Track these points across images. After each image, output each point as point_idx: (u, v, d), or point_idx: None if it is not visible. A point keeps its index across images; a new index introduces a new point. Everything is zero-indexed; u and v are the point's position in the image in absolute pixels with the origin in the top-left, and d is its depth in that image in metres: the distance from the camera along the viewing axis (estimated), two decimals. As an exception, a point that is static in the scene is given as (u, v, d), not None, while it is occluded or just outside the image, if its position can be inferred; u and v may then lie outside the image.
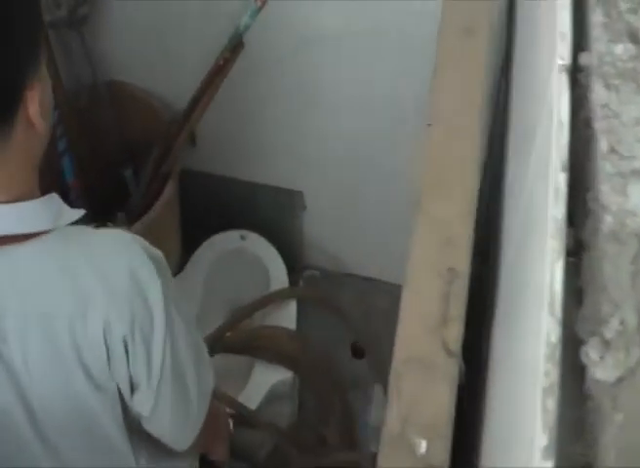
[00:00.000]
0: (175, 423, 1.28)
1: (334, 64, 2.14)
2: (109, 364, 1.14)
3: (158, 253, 1.18)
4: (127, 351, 1.14)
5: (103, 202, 2.48)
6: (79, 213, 1.16)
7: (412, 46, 2.02)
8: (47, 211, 1.12)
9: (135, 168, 2.42)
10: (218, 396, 1.71)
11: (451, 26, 0.91)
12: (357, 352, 2.52)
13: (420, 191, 0.75)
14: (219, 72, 2.09)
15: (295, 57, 2.15)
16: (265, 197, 2.59)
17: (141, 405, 1.21)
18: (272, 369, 2.17)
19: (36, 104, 1.06)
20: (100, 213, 2.40)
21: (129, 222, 2.13)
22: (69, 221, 1.14)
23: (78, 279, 1.11)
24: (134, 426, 1.26)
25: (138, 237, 1.18)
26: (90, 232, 1.16)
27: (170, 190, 2.22)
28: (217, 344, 2.10)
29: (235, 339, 2.16)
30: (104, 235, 1.17)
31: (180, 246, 2.51)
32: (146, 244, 1.17)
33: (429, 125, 0.80)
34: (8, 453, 1.24)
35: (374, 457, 2.03)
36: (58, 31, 2.17)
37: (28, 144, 1.09)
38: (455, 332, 0.66)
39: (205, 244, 2.49)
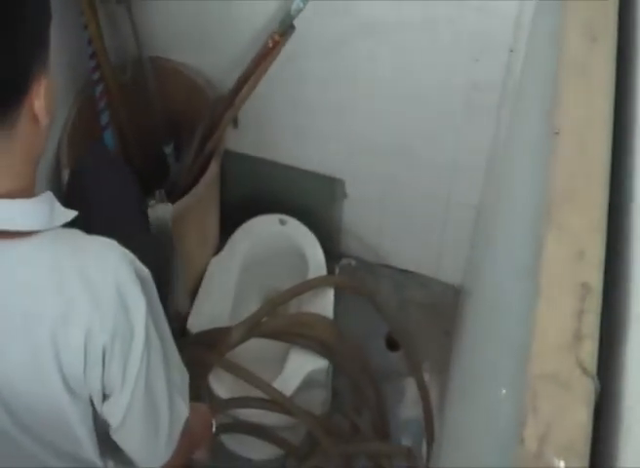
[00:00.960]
0: (143, 442, 1.27)
1: (383, 54, 2.11)
2: (85, 370, 1.14)
3: (146, 271, 1.19)
4: (104, 361, 1.14)
5: (143, 178, 2.47)
6: (72, 214, 1.16)
7: (461, 39, 2.00)
8: (42, 210, 1.12)
9: (175, 145, 2.41)
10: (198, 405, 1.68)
11: (574, 30, 0.87)
12: (391, 344, 2.50)
13: (550, 203, 0.71)
14: (267, 54, 2.06)
15: (345, 44, 2.13)
16: (306, 183, 2.58)
17: (111, 415, 1.21)
18: (308, 356, 2.15)
19: (42, 98, 1.07)
20: (140, 188, 2.40)
21: (168, 200, 2.12)
22: (63, 222, 1.14)
23: (65, 283, 1.11)
24: (103, 434, 1.26)
25: (127, 252, 1.17)
26: (82, 238, 1.16)
27: (213, 170, 2.21)
28: (253, 329, 2.08)
29: (272, 325, 2.14)
30: (96, 244, 1.17)
31: (219, 227, 2.49)
32: (135, 260, 1.17)
33: (556, 133, 0.76)
34: None
35: (408, 451, 2.02)
36: (106, 6, 2.16)
37: (31, 138, 1.10)
38: (589, 350, 0.63)
39: (244, 226, 2.48)
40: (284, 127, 2.45)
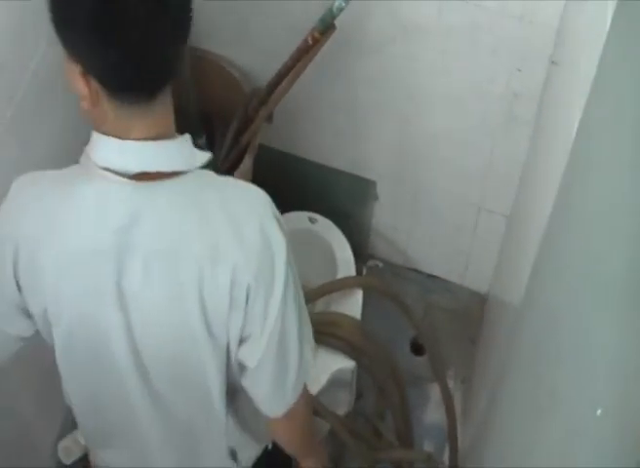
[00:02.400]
0: (272, 383, 1.29)
1: (424, 57, 2.11)
2: (230, 312, 1.18)
3: (282, 219, 1.23)
4: (247, 301, 1.18)
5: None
6: (207, 155, 1.20)
7: (501, 48, 2.00)
8: (183, 151, 1.17)
9: (208, 137, 2.41)
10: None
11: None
12: (417, 349, 2.50)
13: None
14: (306, 51, 2.06)
15: (385, 45, 2.13)
16: (338, 182, 2.58)
17: (249, 355, 1.24)
18: (335, 355, 2.15)
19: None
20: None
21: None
22: (202, 163, 1.19)
23: (211, 223, 1.15)
24: (231, 384, 1.30)
25: (267, 196, 1.23)
26: (224, 179, 1.22)
27: (246, 164, 2.21)
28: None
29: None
30: (239, 185, 1.23)
31: (248, 221, 2.50)
32: (277, 211, 1.22)
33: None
34: (106, 384, 1.31)
35: (429, 457, 2.02)
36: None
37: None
38: None
39: (273, 222, 2.47)
40: (319, 125, 2.45)
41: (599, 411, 0.56)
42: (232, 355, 1.25)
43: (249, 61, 2.35)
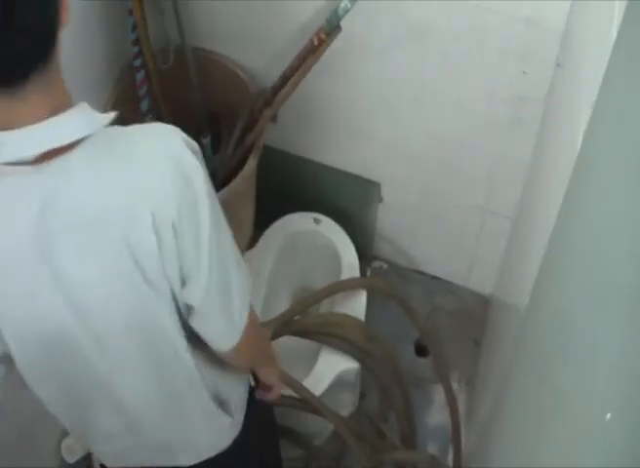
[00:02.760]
0: (219, 317, 1.29)
1: (430, 59, 2.12)
2: (160, 254, 1.17)
3: (197, 146, 1.22)
4: (176, 238, 1.17)
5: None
6: (110, 115, 1.18)
7: (508, 51, 2.00)
8: (81, 118, 1.14)
9: (213, 136, 2.42)
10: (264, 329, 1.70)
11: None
12: (421, 350, 2.50)
13: None
14: (312, 52, 2.07)
15: (391, 47, 2.13)
16: (343, 183, 2.58)
17: (192, 294, 1.24)
18: (339, 357, 2.16)
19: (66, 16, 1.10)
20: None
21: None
22: (104, 124, 1.17)
23: (124, 171, 1.15)
24: (187, 330, 1.29)
25: (176, 128, 1.21)
26: (130, 128, 1.19)
27: (251, 164, 2.22)
28: (285, 326, 2.09)
29: (304, 323, 2.14)
30: (145, 127, 1.22)
31: (253, 220, 2.50)
32: (185, 135, 1.21)
33: None
34: (74, 372, 1.32)
35: (432, 459, 2.02)
36: (152, -9, 2.17)
37: (60, 65, 1.13)
38: None
39: (278, 222, 2.49)
40: (323, 126, 2.46)
41: (609, 415, 0.56)
42: (179, 298, 1.25)
43: (255, 62, 2.36)
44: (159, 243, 1.16)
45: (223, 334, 1.33)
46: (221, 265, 1.24)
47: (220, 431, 1.53)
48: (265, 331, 1.58)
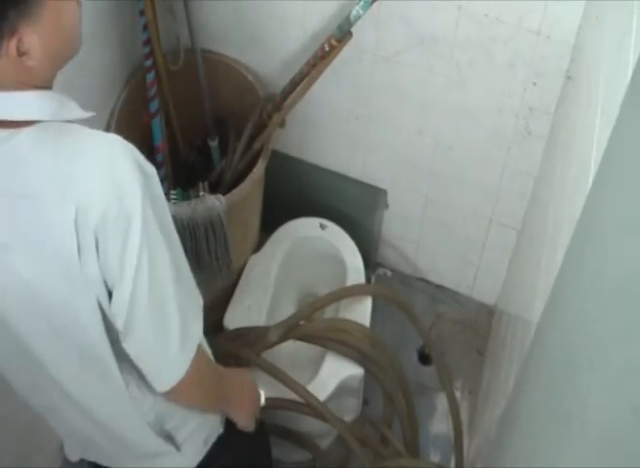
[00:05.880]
0: (152, 351, 1.26)
1: (439, 69, 2.12)
2: (79, 253, 1.16)
3: (150, 168, 1.21)
4: (97, 243, 1.16)
5: (186, 168, 2.50)
6: (83, 114, 1.21)
7: (517, 62, 2.01)
8: (42, 102, 1.18)
9: (220, 140, 2.43)
10: (243, 366, 1.73)
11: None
12: (424, 358, 2.51)
13: None
14: (322, 58, 2.07)
15: (401, 55, 2.14)
16: (349, 190, 2.59)
17: (117, 314, 1.21)
18: (343, 362, 2.16)
19: (15, 44, 1.11)
20: (182, 178, 2.42)
21: (211, 192, 2.14)
22: (69, 117, 1.19)
23: (60, 164, 1.15)
24: (119, 346, 1.26)
25: (132, 147, 1.20)
26: (88, 131, 1.20)
27: (260, 168, 2.22)
28: (291, 331, 2.09)
29: (309, 328, 2.15)
30: (103, 135, 1.20)
31: (260, 224, 2.51)
32: (140, 156, 1.20)
33: None
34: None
35: (438, 468, 2.02)
36: (164, -7, 2.18)
37: (22, 65, 1.14)
38: None
39: (284, 227, 2.49)
40: (332, 132, 2.46)
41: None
42: (106, 311, 1.23)
43: (264, 66, 2.36)
44: (79, 242, 1.15)
45: (157, 373, 1.29)
46: (154, 298, 1.21)
47: (165, 461, 1.48)
48: (228, 373, 1.51)
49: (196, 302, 1.33)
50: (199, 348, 1.31)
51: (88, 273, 1.18)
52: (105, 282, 1.20)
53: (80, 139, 1.18)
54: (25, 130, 1.16)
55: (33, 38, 1.12)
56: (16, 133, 1.16)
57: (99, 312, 1.22)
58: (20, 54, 1.12)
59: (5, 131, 1.16)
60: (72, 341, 1.27)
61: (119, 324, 1.22)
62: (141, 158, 1.20)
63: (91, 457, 1.61)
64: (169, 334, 1.25)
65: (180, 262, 1.27)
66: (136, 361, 1.28)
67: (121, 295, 1.20)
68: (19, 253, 1.18)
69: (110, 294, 1.21)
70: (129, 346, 1.25)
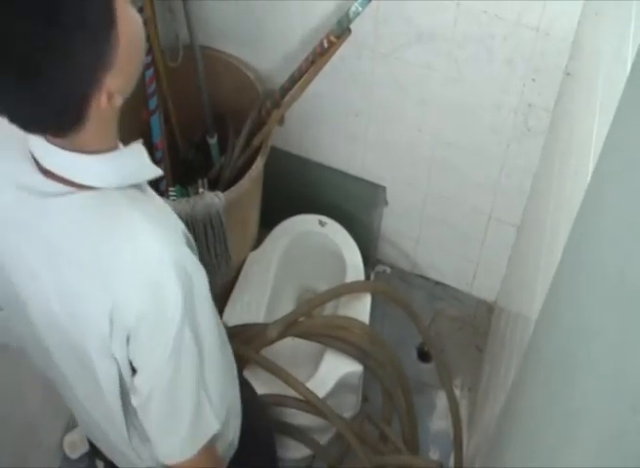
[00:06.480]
0: (160, 430, 1.28)
1: (438, 65, 2.12)
2: (111, 336, 1.16)
3: (198, 270, 1.18)
4: (128, 338, 1.15)
5: (185, 165, 2.50)
6: (146, 175, 1.20)
7: (516, 58, 2.01)
8: (105, 170, 1.15)
9: (219, 137, 2.42)
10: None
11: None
12: (424, 356, 2.51)
13: None
14: (321, 55, 2.07)
15: (401, 51, 2.14)
16: (348, 186, 2.59)
17: (136, 391, 1.22)
18: (342, 359, 2.16)
19: (105, 95, 1.08)
20: (181, 175, 2.42)
21: (210, 189, 2.14)
22: (130, 183, 1.17)
23: (107, 255, 1.13)
24: (129, 405, 1.27)
25: (183, 250, 1.16)
26: (141, 222, 1.15)
27: (259, 165, 2.22)
28: (290, 328, 2.09)
29: (309, 325, 2.15)
30: (151, 233, 1.15)
31: (259, 221, 2.51)
32: (188, 258, 1.16)
33: None
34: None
35: (439, 466, 2.02)
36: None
37: (111, 110, 1.13)
38: None
39: (283, 224, 2.50)
40: (331, 129, 2.46)
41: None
42: (128, 380, 1.23)
43: (263, 63, 2.36)
44: (112, 329, 1.15)
45: (161, 447, 1.31)
46: (173, 394, 1.22)
47: None
48: None
49: (222, 400, 1.31)
50: (211, 440, 1.32)
51: (114, 349, 1.17)
52: (130, 359, 1.20)
53: (131, 229, 1.14)
54: (82, 193, 1.14)
55: (116, 80, 1.08)
56: (73, 192, 1.14)
57: (117, 377, 1.22)
58: (109, 99, 1.09)
59: (66, 186, 1.14)
60: (88, 378, 1.27)
61: (134, 401, 1.23)
62: (189, 260, 1.17)
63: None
64: (180, 422, 1.26)
65: (211, 363, 1.25)
66: (144, 425, 1.29)
67: (141, 383, 1.21)
68: (52, 291, 1.18)
69: (132, 368, 1.21)
70: (140, 415, 1.27)
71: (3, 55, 0.97)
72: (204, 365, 1.23)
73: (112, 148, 1.18)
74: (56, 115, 1.07)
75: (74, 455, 2.20)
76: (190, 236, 1.24)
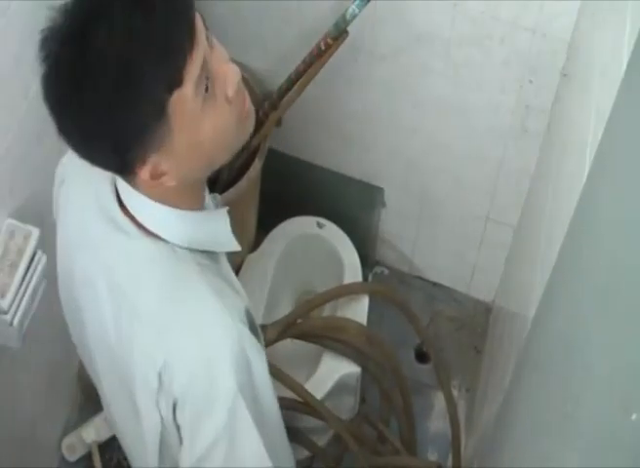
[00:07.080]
0: None
1: (435, 67, 2.12)
2: (158, 394, 1.13)
3: (256, 356, 1.13)
4: (175, 409, 1.12)
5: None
6: (235, 247, 1.23)
7: (513, 60, 2.01)
8: (174, 221, 1.15)
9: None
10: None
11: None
12: (421, 357, 2.51)
13: None
14: (319, 57, 2.07)
15: (398, 53, 2.14)
16: (346, 188, 2.59)
17: (180, 461, 1.17)
18: (340, 360, 2.16)
19: (148, 171, 1.07)
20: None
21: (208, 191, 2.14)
22: (196, 248, 1.16)
23: (171, 307, 1.13)
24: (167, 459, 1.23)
25: (247, 341, 1.12)
26: (212, 289, 1.13)
27: (256, 167, 2.23)
28: (288, 329, 2.10)
29: (307, 326, 2.15)
30: (217, 318, 1.12)
31: (256, 223, 2.51)
32: (244, 339, 1.12)
33: None
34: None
35: (437, 467, 2.03)
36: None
37: (162, 186, 1.10)
38: None
39: (281, 226, 2.49)
40: (328, 131, 2.46)
41: (634, 416, 0.56)
42: (170, 435, 1.18)
43: (261, 64, 2.36)
44: (159, 388, 1.12)
45: None
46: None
47: None
48: None
49: None
50: None
51: (161, 406, 1.14)
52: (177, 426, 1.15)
53: (201, 300, 1.12)
54: (151, 240, 1.14)
55: (168, 163, 1.06)
56: (143, 236, 1.14)
57: (159, 428, 1.17)
58: (156, 177, 1.08)
59: (140, 229, 1.15)
60: (130, 413, 1.23)
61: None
62: (249, 343, 1.12)
63: None
64: None
65: (273, 437, 1.19)
66: None
67: (187, 456, 1.14)
68: (110, 323, 1.18)
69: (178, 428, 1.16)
70: None
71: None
72: (270, 435, 1.17)
73: (192, 208, 1.18)
74: (100, 164, 1.08)
75: (72, 458, 2.21)
76: (253, 316, 1.21)
